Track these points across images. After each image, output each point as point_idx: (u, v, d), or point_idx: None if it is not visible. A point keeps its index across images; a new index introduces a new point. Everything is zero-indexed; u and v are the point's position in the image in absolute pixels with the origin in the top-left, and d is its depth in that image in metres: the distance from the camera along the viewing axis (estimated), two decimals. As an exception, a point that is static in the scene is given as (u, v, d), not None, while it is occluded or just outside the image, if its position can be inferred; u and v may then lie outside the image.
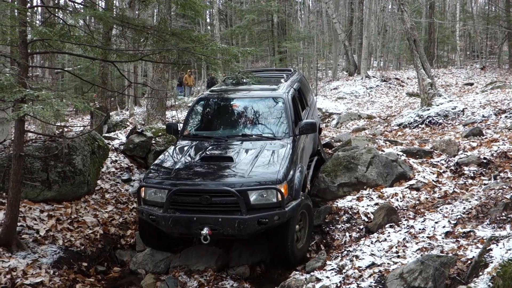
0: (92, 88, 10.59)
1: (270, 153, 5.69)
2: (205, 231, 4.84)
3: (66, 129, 8.51)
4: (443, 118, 12.34)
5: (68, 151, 6.73)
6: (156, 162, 6.03)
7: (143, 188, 5.40)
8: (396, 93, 22.67)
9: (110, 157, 8.35)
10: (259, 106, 6.71)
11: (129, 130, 13.07)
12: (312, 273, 4.93)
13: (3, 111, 8.36)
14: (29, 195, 6.33)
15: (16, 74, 4.90)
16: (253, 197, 5.00)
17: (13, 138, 6.02)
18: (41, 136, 7.18)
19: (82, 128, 10.09)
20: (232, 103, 6.90)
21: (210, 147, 6.01)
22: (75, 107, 4.87)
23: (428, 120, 12.51)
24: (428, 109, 12.91)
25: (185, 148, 6.13)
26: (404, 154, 8.29)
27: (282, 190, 5.00)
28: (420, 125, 12.49)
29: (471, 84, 20.96)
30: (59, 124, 7.37)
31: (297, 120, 6.58)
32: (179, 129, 6.69)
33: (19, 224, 5.56)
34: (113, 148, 8.88)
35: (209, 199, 4.99)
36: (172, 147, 6.40)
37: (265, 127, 6.41)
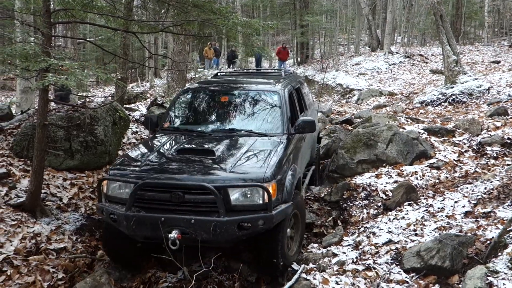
0: (113, 59, 10.63)
1: (260, 150, 4.85)
2: (173, 234, 3.96)
3: (88, 100, 8.61)
4: (467, 97, 12.08)
5: (90, 121, 6.82)
6: (123, 155, 5.33)
7: (106, 182, 4.51)
8: (419, 70, 22.20)
9: (131, 128, 8.44)
10: (252, 100, 5.86)
11: (149, 102, 13.17)
12: (328, 248, 4.97)
13: (27, 80, 8.48)
14: (52, 164, 6.47)
15: (40, 43, 4.94)
16: (234, 195, 4.14)
17: (37, 107, 6.12)
18: (64, 105, 7.29)
19: (103, 98, 10.19)
20: (221, 95, 6.00)
21: (190, 140, 5.21)
22: (98, 78, 4.90)
23: (451, 98, 12.27)
24: (452, 87, 12.64)
25: (161, 141, 5.28)
26: (426, 132, 8.19)
27: (270, 189, 4.13)
28: (443, 103, 12.27)
29: (498, 62, 20.38)
30: (81, 94, 7.43)
31: (294, 119, 5.76)
32: (159, 122, 5.80)
33: (43, 191, 5.70)
34: (134, 119, 8.97)
35: (182, 196, 4.11)
36: (147, 140, 5.69)
37: (256, 123, 5.53)
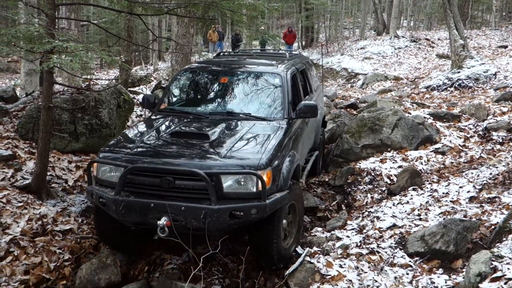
0: (117, 42, 10.58)
1: (257, 135, 4.62)
2: (162, 221, 3.82)
3: (92, 82, 8.60)
4: (473, 82, 11.99)
5: (94, 104, 6.82)
6: (116, 136, 5.08)
7: (96, 164, 4.33)
8: (425, 54, 22.00)
9: (135, 111, 8.43)
10: (252, 82, 5.62)
11: (153, 85, 13.14)
12: (332, 232, 4.99)
13: (32, 63, 8.46)
14: (57, 146, 6.49)
15: (44, 25, 4.91)
16: (227, 183, 3.95)
17: (41, 90, 6.12)
18: (68, 88, 7.28)
19: (108, 81, 10.16)
20: (220, 77, 5.75)
21: (185, 123, 5.00)
22: (104, 61, 4.87)
23: (458, 83, 12.18)
24: (459, 72, 12.54)
25: (156, 123, 5.10)
26: (431, 117, 8.15)
27: (264, 177, 3.92)
28: (449, 88, 12.19)
29: (505, 47, 20.16)
30: (85, 77, 7.43)
31: (296, 103, 5.54)
32: (156, 102, 5.62)
33: (48, 173, 5.73)
34: (138, 102, 8.96)
35: (172, 181, 3.94)
36: (141, 121, 5.53)
37: (255, 106, 5.30)
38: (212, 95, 5.70)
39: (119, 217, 4.08)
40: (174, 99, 5.81)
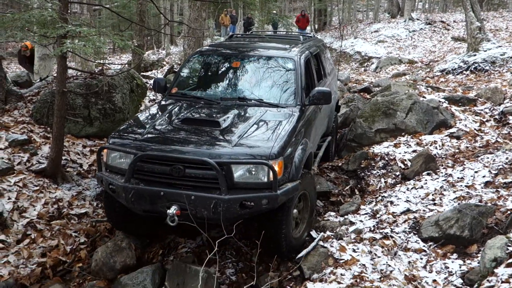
0: (130, 26, 10.55)
1: (269, 122, 4.55)
2: (172, 210, 3.80)
3: (105, 67, 8.61)
4: (490, 65, 11.76)
5: (108, 89, 6.85)
6: (127, 121, 4.97)
7: (106, 151, 4.31)
8: (440, 37, 21.63)
9: (148, 96, 8.45)
10: (265, 66, 5.49)
11: (165, 70, 13.14)
12: (346, 217, 4.98)
13: (45, 48, 8.50)
14: (72, 131, 6.54)
15: (58, 9, 4.91)
16: (238, 172, 3.89)
17: (55, 74, 6.14)
18: (81, 73, 7.31)
19: (120, 66, 10.18)
20: (232, 61, 5.61)
21: (197, 109, 4.91)
22: (117, 45, 4.86)
23: (473, 66, 11.96)
24: (475, 55, 12.31)
25: (167, 108, 5.00)
26: (446, 101, 8.03)
27: (276, 167, 3.86)
28: (464, 72, 11.98)
29: (523, 29, 19.72)
30: (98, 61, 7.44)
31: (310, 88, 5.45)
32: (167, 86, 5.53)
33: (63, 158, 5.79)
34: (151, 87, 8.97)
35: (182, 170, 3.88)
36: (152, 106, 5.37)
37: (268, 92, 5.18)
38: (223, 79, 5.56)
39: (128, 205, 4.06)
40: (185, 83, 5.70)
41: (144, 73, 11.65)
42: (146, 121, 4.75)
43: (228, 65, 5.62)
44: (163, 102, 5.25)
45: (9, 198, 4.86)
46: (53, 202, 5.18)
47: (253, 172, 3.93)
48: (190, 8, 11.93)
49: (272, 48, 5.95)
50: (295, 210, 4.36)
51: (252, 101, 5.00)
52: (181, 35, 20.67)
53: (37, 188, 5.21)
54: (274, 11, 22.37)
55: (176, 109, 4.96)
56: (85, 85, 6.76)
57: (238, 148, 3.98)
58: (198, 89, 5.58)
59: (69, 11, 5.26)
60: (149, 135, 4.27)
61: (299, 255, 4.21)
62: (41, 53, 9.40)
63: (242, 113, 4.75)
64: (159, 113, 4.91)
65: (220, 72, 5.69)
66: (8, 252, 4.36)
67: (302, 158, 4.38)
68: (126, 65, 10.80)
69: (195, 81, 5.79)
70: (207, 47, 6.21)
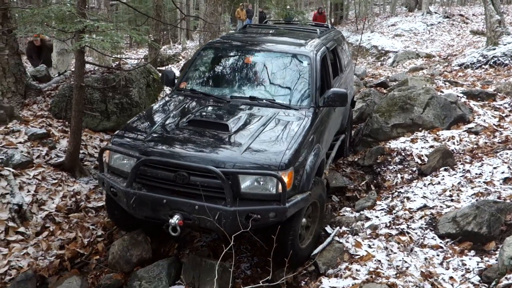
0: (146, 21, 10.61)
1: (280, 126, 4.30)
2: (174, 220, 3.64)
3: (122, 62, 8.68)
4: (510, 59, 11.55)
5: (125, 83, 6.90)
6: (132, 119, 4.71)
7: (108, 151, 4.14)
8: (459, 30, 21.30)
9: (164, 90, 8.50)
10: (279, 64, 5.16)
11: (182, 64, 13.19)
12: (361, 212, 4.96)
13: (63, 43, 8.60)
14: (89, 125, 6.62)
15: (76, 5, 4.96)
16: (245, 183, 3.69)
17: (73, 69, 6.22)
18: (99, 67, 7.38)
19: (137, 60, 10.26)
20: (244, 56, 5.34)
21: (205, 108, 4.67)
22: (133, 40, 4.89)
23: (493, 60, 11.77)
24: (494, 49, 12.10)
25: (174, 106, 4.77)
26: (465, 96, 7.92)
27: (285, 178, 3.65)
28: (483, 66, 11.79)
29: (544, 22, 19.30)
30: (115, 56, 7.50)
31: (325, 88, 5.17)
32: (176, 79, 5.34)
33: (81, 151, 5.86)
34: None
35: (187, 177, 3.70)
36: (160, 103, 5.12)
37: (281, 92, 4.93)
38: (234, 76, 5.28)
39: (129, 210, 3.92)
40: (195, 78, 5.40)
41: (160, 68, 11.72)
42: (151, 120, 4.57)
43: (240, 61, 5.38)
44: (171, 98, 5.04)
45: (29, 191, 4.94)
46: (71, 195, 5.25)
47: (261, 183, 3.72)
48: (206, 3, 11.95)
49: (287, 43, 5.61)
50: (303, 220, 4.20)
51: (264, 101, 4.74)
52: (197, 30, 20.72)
53: (56, 181, 5.29)
54: (288, 6, 22.22)
55: (183, 107, 4.71)
56: (102, 80, 6.83)
57: (246, 156, 3.76)
58: (207, 85, 5.31)
59: (86, 6, 5.30)
60: (154, 137, 4.09)
61: (315, 251, 4.21)
62: (59, 48, 9.52)
63: (252, 115, 4.49)
64: (166, 111, 4.68)
65: (230, 67, 5.42)
66: (27, 244, 4.44)
67: (314, 166, 4.15)
68: (143, 60, 10.87)
69: (204, 76, 5.49)
70: (219, 40, 5.91)
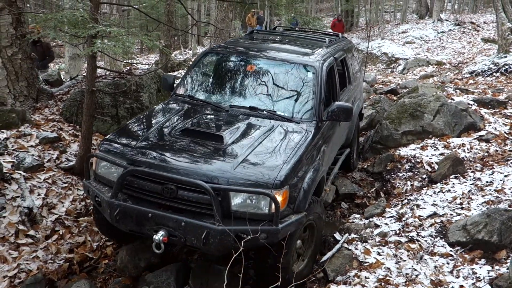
0: (158, 27, 10.70)
1: (278, 140, 4.04)
2: (159, 236, 3.43)
3: (133, 67, 8.75)
4: (521, 67, 11.46)
5: (135, 88, 6.96)
6: (125, 123, 4.62)
7: (95, 159, 3.96)
8: (470, 38, 21.20)
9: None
10: (282, 73, 4.90)
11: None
12: (371, 219, 4.93)
13: (76, 47, 8.69)
14: (100, 129, 6.67)
15: (89, 10, 5.02)
16: (236, 200, 3.46)
17: (85, 74, 6.27)
18: (110, 72, 7.44)
19: (148, 66, 10.33)
20: (246, 63, 5.07)
21: (201, 117, 4.43)
22: (144, 45, 4.93)
23: (504, 68, 11.67)
24: (506, 57, 12.01)
25: (170, 112, 4.57)
26: (475, 104, 7.87)
27: (279, 197, 3.42)
28: (494, 74, 11.70)
29: (557, 30, 19.14)
30: (127, 61, 7.55)
31: (330, 100, 4.98)
32: (175, 83, 5.16)
33: (91, 155, 5.90)
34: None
35: (175, 191, 3.49)
36: (156, 108, 4.91)
37: (282, 103, 4.65)
38: (235, 84, 5.02)
39: (113, 222, 3.74)
40: (194, 84, 5.18)
41: (171, 73, 11.79)
42: (144, 126, 4.40)
43: (241, 68, 5.12)
44: (167, 104, 4.84)
45: (39, 194, 4.98)
46: (80, 199, 5.28)
47: (254, 201, 3.48)
48: (217, 9, 12.03)
49: (292, 52, 5.33)
50: (298, 241, 3.91)
51: (264, 112, 4.48)
52: (207, 36, 20.84)
53: (66, 185, 5.33)
54: (293, 15, 22.26)
55: (179, 115, 4.49)
56: (113, 85, 6.89)
57: (239, 171, 3.52)
58: (206, 92, 5.07)
59: (99, 11, 5.36)
60: (144, 145, 3.88)
61: (324, 258, 4.19)
62: (71, 53, 9.62)
63: (250, 127, 4.26)
64: (160, 117, 4.48)
65: (231, 74, 5.17)
66: (37, 247, 4.47)
67: (312, 185, 3.89)
68: (154, 65, 10.95)
69: (204, 82, 5.27)
70: (221, 45, 5.65)
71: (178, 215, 3.49)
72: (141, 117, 4.69)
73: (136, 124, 4.46)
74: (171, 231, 3.49)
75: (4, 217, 4.51)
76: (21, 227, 4.53)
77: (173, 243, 3.59)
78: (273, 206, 3.38)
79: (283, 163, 3.64)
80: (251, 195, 3.46)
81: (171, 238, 3.50)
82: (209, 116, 4.49)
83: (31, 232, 4.57)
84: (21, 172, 5.01)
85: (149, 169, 3.59)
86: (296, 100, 4.70)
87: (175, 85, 5.12)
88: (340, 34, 7.03)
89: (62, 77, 9.33)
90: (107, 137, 4.11)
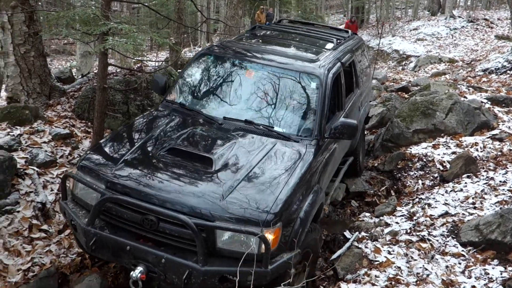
0: (168, 24, 10.72)
1: (274, 164, 3.65)
2: (137, 273, 3.12)
3: (144, 64, 8.79)
4: (535, 65, 11.33)
5: (146, 85, 6.98)
6: (109, 136, 4.18)
7: (72, 180, 3.63)
8: (483, 35, 20.97)
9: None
10: (282, 82, 4.40)
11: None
12: (381, 218, 4.91)
13: (87, 45, 8.74)
14: (111, 126, 6.71)
15: (100, 7, 5.04)
16: (222, 237, 3.11)
17: (96, 71, 6.32)
18: (121, 70, 7.48)
19: (159, 63, 10.37)
20: (243, 70, 4.58)
21: (191, 131, 3.96)
22: (154, 42, 4.94)
23: (518, 66, 11.55)
24: (520, 54, 11.88)
25: (157, 124, 4.16)
26: (489, 102, 7.79)
27: (270, 236, 3.06)
28: (508, 71, 11.58)
29: None
30: (137, 58, 7.61)
31: (335, 110, 4.67)
32: (167, 86, 4.67)
33: (103, 152, 5.94)
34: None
35: (155, 223, 3.15)
36: (142, 118, 4.45)
37: (280, 117, 4.19)
38: (230, 92, 4.52)
39: (88, 251, 3.45)
40: (186, 91, 4.71)
41: (180, 70, 11.81)
42: (128, 140, 3.98)
43: (237, 75, 4.60)
44: (155, 113, 4.44)
45: (52, 190, 5.02)
46: (92, 195, 5.32)
47: (242, 239, 3.12)
48: (227, 6, 12.03)
49: (295, 57, 4.75)
50: (292, 270, 3.37)
51: (261, 127, 4.05)
52: (217, 33, 20.85)
53: (78, 181, 5.36)
54: (298, 11, 22.14)
55: (167, 128, 4.07)
56: (124, 82, 6.93)
57: (227, 203, 3.15)
58: (199, 100, 4.59)
59: (110, 9, 5.39)
60: (125, 166, 3.48)
61: (334, 256, 4.18)
62: (82, 51, 9.68)
63: (244, 146, 3.81)
64: (147, 130, 4.10)
65: (226, 82, 4.66)
66: (50, 242, 4.51)
67: (310, 214, 3.53)
68: (164, 63, 10.98)
69: (196, 89, 4.73)
70: (217, 46, 5.13)
71: (158, 250, 3.16)
72: (126, 129, 4.28)
73: (120, 139, 4.06)
74: (151, 267, 3.17)
75: (18, 211, 4.56)
76: (34, 221, 4.57)
77: (153, 280, 3.24)
78: (263, 246, 3.02)
79: (277, 195, 3.26)
80: (239, 233, 3.08)
81: (151, 274, 3.18)
82: (199, 131, 4.01)
83: (44, 227, 4.62)
84: (35, 168, 5.06)
85: (128, 197, 3.23)
86: (296, 115, 4.27)
87: (167, 88, 4.67)
88: (349, 31, 6.65)
89: (74, 74, 9.41)
90: (87, 153, 3.77)
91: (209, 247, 3.10)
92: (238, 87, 4.49)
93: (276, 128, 4.07)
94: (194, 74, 4.80)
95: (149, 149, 3.74)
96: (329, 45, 5.41)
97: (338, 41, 5.60)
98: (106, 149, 3.82)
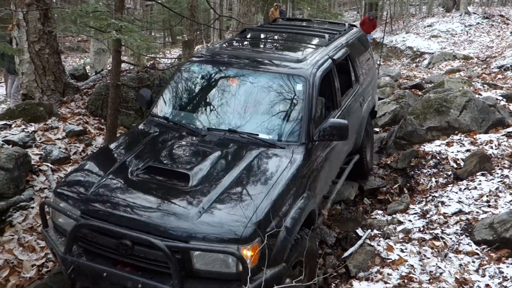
0: (181, 21, 10.75)
1: (256, 175, 3.51)
2: None
3: (156, 61, 8.83)
4: (552, 61, 11.14)
5: (159, 82, 7.02)
6: (87, 158, 4.18)
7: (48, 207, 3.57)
8: (499, 32, 20.66)
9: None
10: (267, 87, 4.19)
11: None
12: (394, 215, 4.88)
13: (101, 42, 8.81)
14: (124, 123, 6.76)
15: (114, 5, 5.08)
16: (199, 258, 2.96)
17: (109, 68, 6.36)
18: (134, 67, 7.53)
19: (171, 60, 10.41)
20: (225, 78, 4.43)
21: (171, 147, 3.82)
22: (167, 40, 4.95)
23: (534, 62, 11.38)
24: (536, 51, 11.69)
25: (139, 141, 3.98)
26: (504, 99, 7.68)
27: (248, 253, 2.90)
28: (524, 68, 11.42)
29: None
30: (150, 56, 7.63)
31: (330, 109, 4.49)
32: (153, 100, 4.52)
33: (116, 148, 5.98)
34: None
35: (131, 247, 3.02)
36: (125, 136, 4.38)
37: (265, 124, 4.01)
38: (213, 102, 4.36)
39: (68, 280, 3.34)
40: (171, 103, 4.57)
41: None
42: (108, 161, 3.83)
43: (220, 84, 4.46)
44: (140, 128, 4.30)
45: (65, 186, 5.09)
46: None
47: (221, 257, 2.96)
48: (240, 3, 12.02)
49: (280, 59, 4.56)
50: (287, 279, 3.26)
51: (245, 135, 3.88)
52: (229, 30, 20.86)
53: (91, 177, 5.41)
54: (308, 7, 22.00)
55: (148, 144, 3.93)
56: (137, 79, 6.97)
57: (202, 222, 3.00)
58: (183, 111, 4.48)
59: (124, 6, 5.42)
60: (100, 190, 3.36)
61: (346, 254, 4.17)
62: (96, 48, 9.76)
63: (225, 158, 3.68)
64: (127, 149, 3.94)
65: (210, 91, 4.50)
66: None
67: (296, 225, 3.33)
68: (176, 60, 11.02)
69: (180, 101, 4.65)
70: (201, 54, 4.92)
71: (135, 275, 3.06)
72: (106, 149, 4.26)
73: (100, 160, 3.94)
74: None
75: (32, 207, 4.62)
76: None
77: None
78: (240, 265, 2.86)
79: (256, 208, 3.09)
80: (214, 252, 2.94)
81: None
82: (181, 146, 3.87)
83: (58, 223, 4.67)
84: (49, 164, 5.12)
85: (100, 222, 3.13)
86: (282, 119, 4.06)
87: (153, 101, 4.52)
88: (347, 24, 6.40)
89: (88, 71, 9.49)
90: (63, 180, 3.68)
91: (186, 269, 2.98)
92: (222, 96, 4.35)
93: (261, 136, 3.87)
94: (177, 85, 4.67)
95: (128, 169, 3.57)
96: (320, 42, 5.18)
97: (331, 36, 5.33)
98: (85, 173, 3.66)
